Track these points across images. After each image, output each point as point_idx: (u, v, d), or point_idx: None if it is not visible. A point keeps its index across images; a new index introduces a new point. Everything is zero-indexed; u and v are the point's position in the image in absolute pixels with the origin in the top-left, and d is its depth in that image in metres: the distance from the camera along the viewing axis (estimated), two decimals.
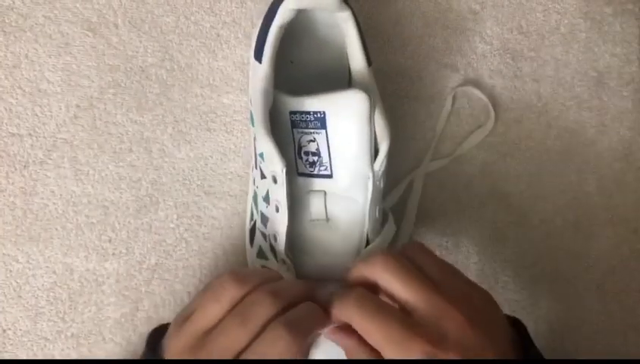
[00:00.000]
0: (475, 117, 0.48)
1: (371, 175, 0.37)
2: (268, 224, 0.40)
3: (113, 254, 0.44)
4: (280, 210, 0.37)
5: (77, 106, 0.44)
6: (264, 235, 0.41)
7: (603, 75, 0.49)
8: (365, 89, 0.36)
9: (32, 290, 0.43)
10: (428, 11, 0.48)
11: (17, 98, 0.44)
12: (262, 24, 0.38)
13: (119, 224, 0.44)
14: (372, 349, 0.32)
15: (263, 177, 0.38)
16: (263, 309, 0.31)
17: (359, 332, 0.32)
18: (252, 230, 0.43)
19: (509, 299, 0.48)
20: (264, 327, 0.31)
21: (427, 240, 0.47)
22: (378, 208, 0.39)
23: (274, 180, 0.37)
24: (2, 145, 0.44)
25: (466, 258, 0.47)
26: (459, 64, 0.48)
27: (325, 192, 0.39)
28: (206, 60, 0.46)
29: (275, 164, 0.36)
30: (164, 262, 0.44)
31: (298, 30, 0.40)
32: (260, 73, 0.37)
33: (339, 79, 0.41)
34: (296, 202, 0.39)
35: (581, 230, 0.48)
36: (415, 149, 0.47)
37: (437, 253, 0.47)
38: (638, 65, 0.49)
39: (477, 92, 0.47)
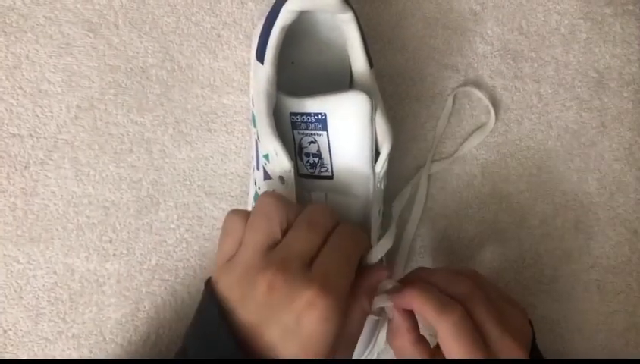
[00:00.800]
0: (475, 117, 0.48)
1: (372, 176, 0.37)
2: None
3: (114, 255, 0.44)
4: None
5: (78, 107, 0.44)
6: None
7: (603, 76, 0.49)
8: (366, 90, 0.36)
9: (33, 290, 0.43)
10: (429, 12, 0.48)
11: (17, 99, 0.44)
12: (264, 25, 0.38)
13: (120, 224, 0.44)
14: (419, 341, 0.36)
15: (267, 177, 0.38)
16: (326, 216, 0.32)
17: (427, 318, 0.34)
18: None
19: None
20: (329, 235, 0.32)
21: (427, 240, 0.47)
22: (379, 209, 0.39)
23: (282, 181, 0.37)
24: (3, 145, 0.44)
25: (467, 259, 0.47)
26: (459, 65, 0.48)
27: (326, 194, 0.39)
28: (207, 60, 0.45)
29: (283, 165, 0.36)
30: (164, 263, 0.44)
31: (299, 31, 0.39)
32: (262, 74, 0.37)
33: (340, 80, 0.41)
34: (297, 203, 0.39)
35: (581, 231, 0.48)
36: (417, 149, 0.47)
37: (437, 253, 0.47)
38: (638, 66, 0.49)
39: (477, 93, 0.47)
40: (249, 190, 0.45)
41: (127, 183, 0.44)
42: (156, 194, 0.45)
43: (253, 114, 0.38)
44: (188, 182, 0.45)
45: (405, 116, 0.47)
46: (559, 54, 0.49)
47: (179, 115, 0.45)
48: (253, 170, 0.42)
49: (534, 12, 0.49)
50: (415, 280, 0.37)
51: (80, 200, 0.44)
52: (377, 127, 0.37)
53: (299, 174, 0.40)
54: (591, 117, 0.49)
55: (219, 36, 0.46)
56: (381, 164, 0.37)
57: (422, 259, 0.47)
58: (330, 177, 0.39)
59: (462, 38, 0.48)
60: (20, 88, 0.44)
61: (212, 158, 0.45)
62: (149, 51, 0.45)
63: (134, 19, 0.45)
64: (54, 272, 0.44)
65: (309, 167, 0.39)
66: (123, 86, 0.45)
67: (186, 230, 0.45)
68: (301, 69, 0.41)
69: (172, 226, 0.45)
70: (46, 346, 0.43)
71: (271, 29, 0.37)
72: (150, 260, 0.44)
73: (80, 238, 0.44)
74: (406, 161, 0.47)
